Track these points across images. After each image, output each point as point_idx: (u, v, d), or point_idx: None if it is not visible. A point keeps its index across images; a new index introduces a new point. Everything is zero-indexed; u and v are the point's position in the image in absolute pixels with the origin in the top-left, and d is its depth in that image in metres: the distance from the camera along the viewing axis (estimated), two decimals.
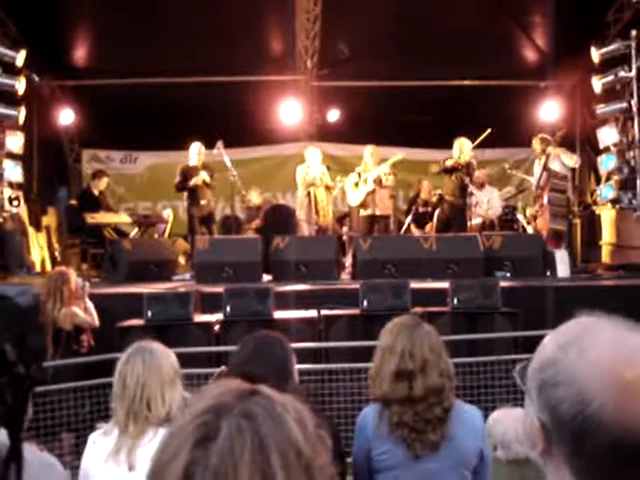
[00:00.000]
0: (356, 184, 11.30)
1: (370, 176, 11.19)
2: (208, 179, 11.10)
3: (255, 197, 13.01)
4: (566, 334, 1.22)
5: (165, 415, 3.02)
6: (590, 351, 1.16)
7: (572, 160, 10.71)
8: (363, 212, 11.35)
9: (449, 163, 10.96)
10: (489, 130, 10.89)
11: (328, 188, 11.44)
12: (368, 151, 11.39)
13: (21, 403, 1.37)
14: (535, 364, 1.24)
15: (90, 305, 6.67)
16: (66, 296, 6.43)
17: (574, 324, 1.24)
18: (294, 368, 3.08)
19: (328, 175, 11.50)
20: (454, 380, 3.16)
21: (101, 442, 3.06)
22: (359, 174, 11.30)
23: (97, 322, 6.67)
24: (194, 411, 0.97)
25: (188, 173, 11.12)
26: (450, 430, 3.04)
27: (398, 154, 11.62)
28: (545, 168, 10.50)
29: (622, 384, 1.11)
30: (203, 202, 11.15)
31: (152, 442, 2.95)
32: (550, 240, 10.31)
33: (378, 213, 11.30)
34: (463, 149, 10.96)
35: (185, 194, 11.40)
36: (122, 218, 12.07)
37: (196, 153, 11.20)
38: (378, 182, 11.18)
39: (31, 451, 2.36)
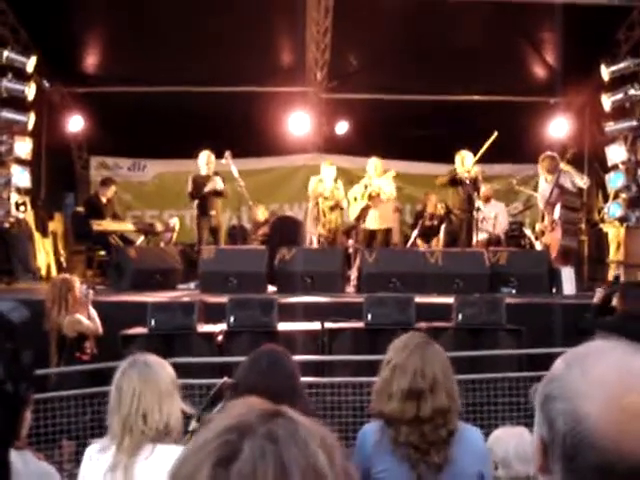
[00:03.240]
0: (355, 198, 11.36)
1: (367, 191, 11.27)
2: (222, 185, 11.05)
3: (261, 213, 13.04)
4: (575, 353, 1.23)
5: (163, 428, 2.98)
6: (593, 371, 1.16)
7: (582, 181, 10.67)
8: (363, 225, 11.45)
9: (444, 179, 11.12)
10: (495, 133, 10.84)
11: (337, 204, 11.44)
12: (372, 163, 11.45)
13: (10, 421, 1.35)
14: (543, 380, 1.24)
15: (94, 313, 6.68)
16: (70, 303, 6.44)
17: (586, 345, 1.24)
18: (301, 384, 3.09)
19: (341, 191, 11.51)
20: (458, 402, 3.14)
21: (98, 459, 3.02)
22: (365, 186, 11.33)
23: (101, 330, 6.68)
24: (217, 429, 0.95)
25: (200, 182, 11.07)
26: (453, 453, 3.02)
27: (391, 170, 11.59)
28: (557, 185, 10.45)
29: (619, 407, 1.10)
30: (212, 213, 11.10)
31: (149, 459, 2.92)
32: (559, 257, 10.26)
33: (374, 227, 11.34)
34: (464, 161, 10.97)
35: (195, 204, 11.34)
36: (128, 226, 12.10)
37: (205, 163, 11.15)
38: (375, 197, 11.22)
39: (26, 460, 2.34)
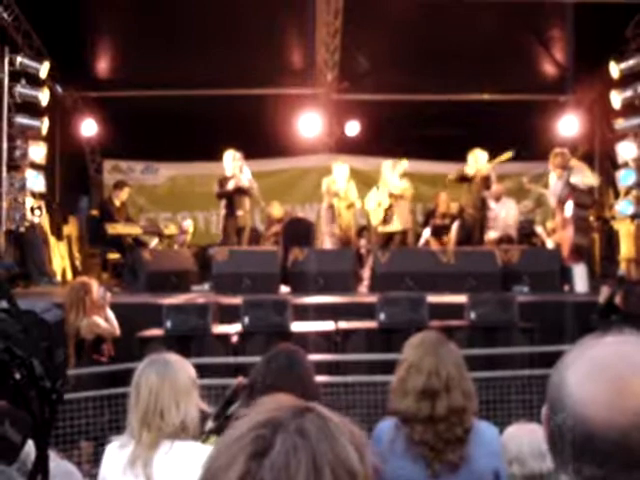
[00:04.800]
0: (379, 203, 11.32)
1: (385, 192, 11.26)
2: (245, 182, 10.99)
3: (276, 210, 13.07)
4: (584, 340, 1.27)
5: (179, 425, 3.00)
6: (589, 351, 1.21)
7: (593, 179, 10.67)
8: (382, 228, 11.38)
9: (452, 177, 11.13)
10: (510, 154, 10.89)
11: (350, 205, 11.45)
12: (388, 165, 11.38)
13: (48, 416, 1.41)
14: None
15: (111, 314, 6.73)
16: (88, 306, 6.49)
17: (597, 335, 1.29)
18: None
19: (354, 191, 11.50)
20: (475, 401, 3.14)
21: (118, 454, 3.06)
22: (377, 187, 11.34)
23: (118, 331, 6.73)
24: (250, 424, 0.98)
25: (224, 182, 11.06)
26: (468, 450, 3.02)
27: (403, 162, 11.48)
28: (567, 182, 10.43)
29: (608, 379, 1.15)
30: (239, 213, 11.04)
31: (168, 454, 2.96)
32: (570, 255, 10.25)
33: (396, 229, 11.32)
34: (478, 160, 10.96)
35: (222, 204, 11.30)
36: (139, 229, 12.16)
37: (231, 160, 11.03)
38: (394, 196, 11.21)
39: (51, 459, 2.40)
